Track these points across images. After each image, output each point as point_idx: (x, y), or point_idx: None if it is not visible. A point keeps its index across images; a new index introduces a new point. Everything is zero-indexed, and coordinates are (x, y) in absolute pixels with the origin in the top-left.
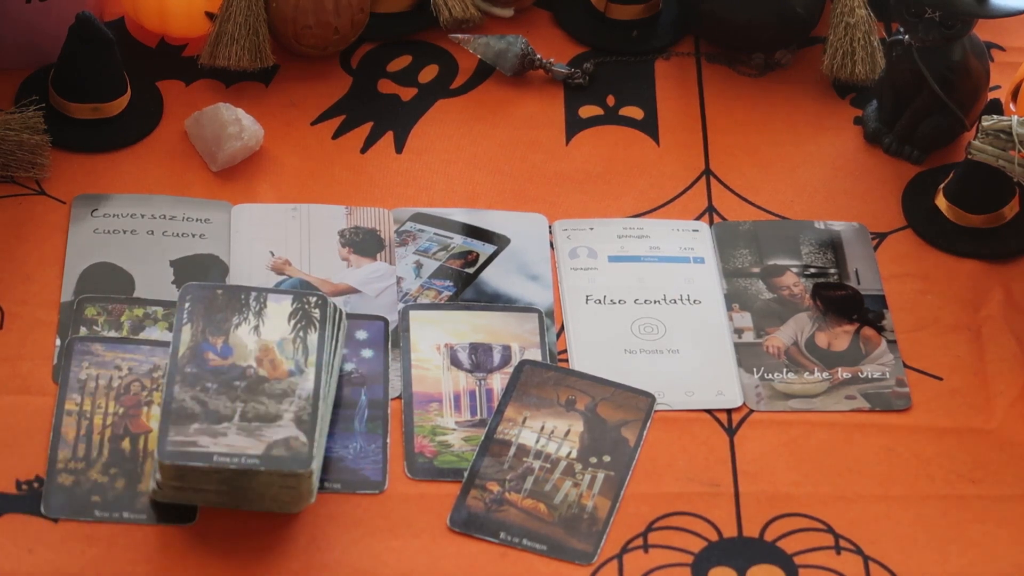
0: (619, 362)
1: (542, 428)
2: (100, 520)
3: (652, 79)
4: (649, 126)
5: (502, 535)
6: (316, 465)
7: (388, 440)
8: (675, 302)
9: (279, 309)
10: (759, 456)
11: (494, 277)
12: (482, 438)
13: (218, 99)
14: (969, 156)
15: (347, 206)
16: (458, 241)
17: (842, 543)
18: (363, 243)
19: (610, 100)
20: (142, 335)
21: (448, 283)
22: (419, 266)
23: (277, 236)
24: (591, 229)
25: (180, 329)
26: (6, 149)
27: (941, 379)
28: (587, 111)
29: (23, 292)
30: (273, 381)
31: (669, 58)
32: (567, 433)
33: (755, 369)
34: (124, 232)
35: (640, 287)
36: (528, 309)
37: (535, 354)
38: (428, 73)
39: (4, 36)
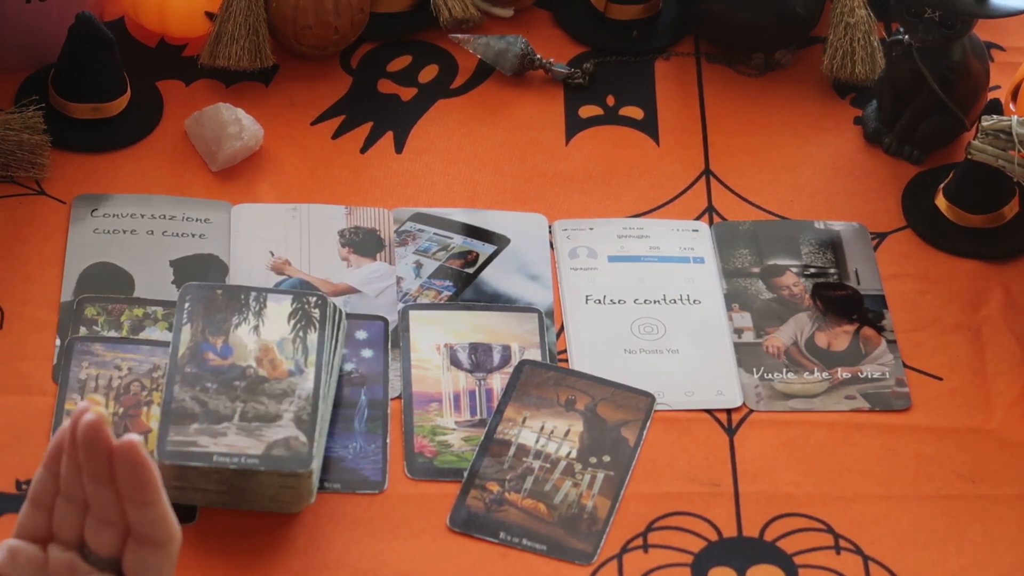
0: (619, 362)
1: (542, 428)
2: None
3: (652, 79)
4: (649, 126)
5: (502, 535)
6: (316, 465)
7: (388, 440)
8: (675, 302)
9: (279, 309)
10: (759, 456)
11: (494, 277)
12: (482, 438)
13: (218, 99)
14: (969, 156)
15: (347, 206)
16: (458, 241)
17: (842, 543)
18: (363, 243)
19: (610, 100)
20: (142, 335)
21: (448, 283)
22: (419, 266)
23: (277, 236)
24: (591, 229)
25: (180, 329)
26: (6, 149)
27: (941, 379)
28: (587, 111)
29: (23, 292)
30: (273, 381)
31: (669, 58)
32: (567, 433)
33: (755, 369)
34: (124, 232)
35: (640, 287)
36: (528, 309)
37: (535, 354)
38: (428, 73)
39: (4, 36)
